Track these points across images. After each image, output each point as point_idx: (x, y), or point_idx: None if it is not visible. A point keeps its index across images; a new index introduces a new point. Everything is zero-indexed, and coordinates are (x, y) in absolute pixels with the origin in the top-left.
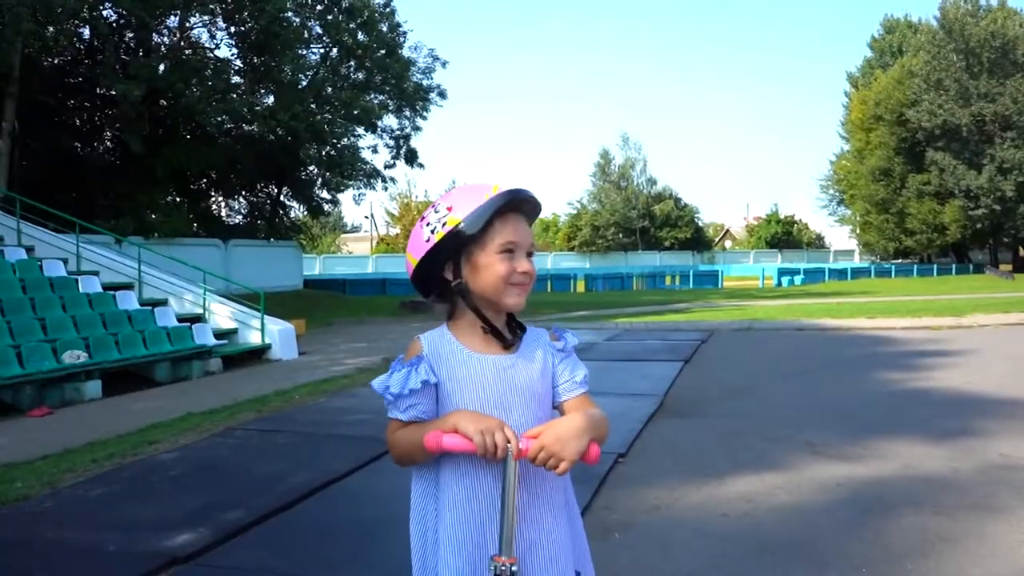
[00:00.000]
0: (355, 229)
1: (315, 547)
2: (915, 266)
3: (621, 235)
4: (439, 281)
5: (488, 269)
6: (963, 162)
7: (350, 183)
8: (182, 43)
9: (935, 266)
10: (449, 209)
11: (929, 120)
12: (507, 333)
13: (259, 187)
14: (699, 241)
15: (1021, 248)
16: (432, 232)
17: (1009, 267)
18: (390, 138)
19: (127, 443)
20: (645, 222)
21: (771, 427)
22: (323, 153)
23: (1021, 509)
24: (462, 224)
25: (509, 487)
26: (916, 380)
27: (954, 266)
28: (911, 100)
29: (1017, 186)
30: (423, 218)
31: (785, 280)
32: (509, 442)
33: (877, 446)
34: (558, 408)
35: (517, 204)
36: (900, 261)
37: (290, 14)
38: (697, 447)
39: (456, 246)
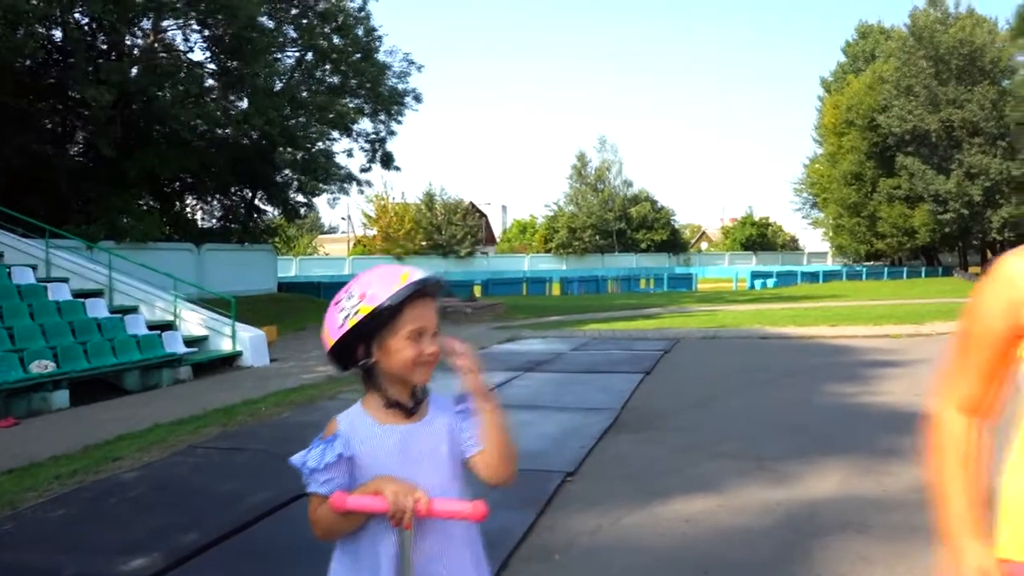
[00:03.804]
0: (332, 230)
1: (269, 569)
2: (886, 269)
3: (598, 237)
4: (354, 359)
5: (398, 353)
6: (932, 167)
7: (325, 187)
8: (156, 45)
9: (905, 269)
10: (362, 296)
11: (899, 125)
12: (409, 403)
13: (233, 191)
14: (675, 243)
15: (989, 251)
16: (345, 318)
17: (977, 269)
18: (365, 142)
19: (91, 458)
20: (621, 224)
21: (723, 442)
22: (298, 157)
23: None
24: (373, 312)
25: (406, 555)
26: (868, 394)
27: (924, 269)
28: (882, 105)
29: (984, 191)
30: (337, 301)
31: (758, 283)
32: (418, 502)
33: (822, 463)
34: (467, 464)
35: (425, 290)
36: (872, 264)
37: (264, 18)
38: (646, 464)
39: (368, 331)
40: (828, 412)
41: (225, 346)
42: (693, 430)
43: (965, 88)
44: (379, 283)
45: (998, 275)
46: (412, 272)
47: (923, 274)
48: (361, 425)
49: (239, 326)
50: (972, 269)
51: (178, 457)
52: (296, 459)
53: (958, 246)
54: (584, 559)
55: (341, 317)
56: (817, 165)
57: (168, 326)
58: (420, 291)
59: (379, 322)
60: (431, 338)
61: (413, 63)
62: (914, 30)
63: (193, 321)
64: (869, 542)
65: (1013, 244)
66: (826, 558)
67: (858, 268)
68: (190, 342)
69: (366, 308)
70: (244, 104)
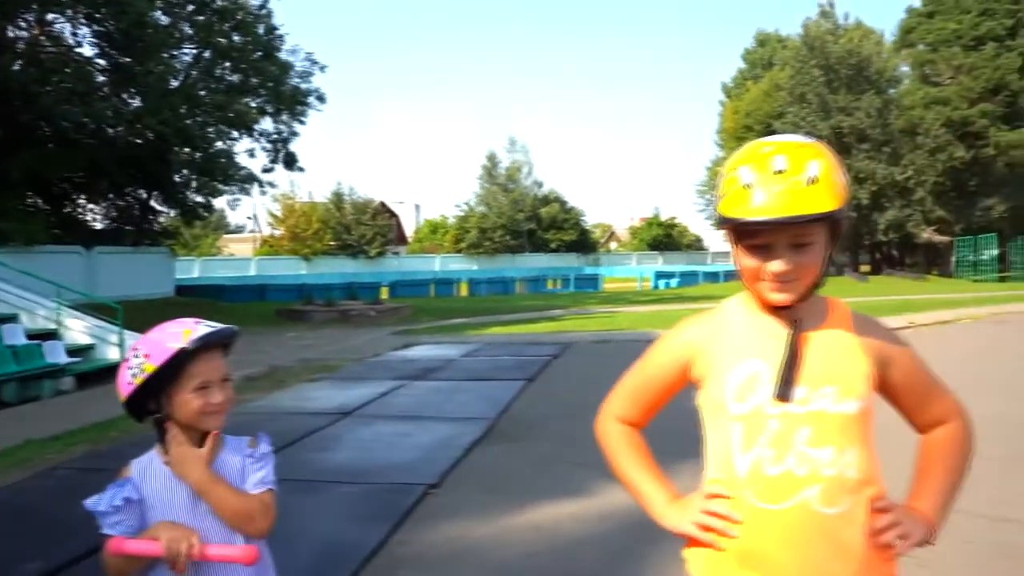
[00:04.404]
0: (238, 230)
1: None
2: None
3: (508, 237)
4: (148, 412)
5: (185, 405)
6: None
7: (225, 188)
8: (42, 38)
9: None
10: (146, 356)
11: (793, 131)
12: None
13: (127, 191)
14: (584, 243)
15: (877, 252)
16: (133, 377)
17: (868, 268)
18: (268, 142)
19: None
20: (532, 225)
21: (586, 451)
22: (196, 157)
23: None
24: (156, 371)
25: None
26: None
27: None
28: (778, 112)
29: (872, 195)
30: (127, 360)
31: (662, 283)
32: (192, 547)
33: (679, 468)
34: None
35: (212, 343)
36: None
37: (158, 13)
38: (508, 475)
39: (155, 387)
40: (695, 415)
41: (112, 355)
42: (560, 440)
43: (854, 96)
44: (161, 342)
45: (678, 335)
46: (196, 328)
47: None
48: (152, 471)
49: (128, 333)
50: (863, 268)
51: (38, 480)
52: (90, 502)
53: (849, 247)
54: (430, 572)
55: (129, 375)
56: (718, 169)
57: (51, 335)
58: (204, 345)
59: (164, 379)
60: (219, 387)
61: (316, 63)
62: (807, 40)
63: (78, 329)
64: None
65: (898, 245)
66: (661, 564)
67: None
68: (74, 351)
69: (150, 367)
70: (138, 102)
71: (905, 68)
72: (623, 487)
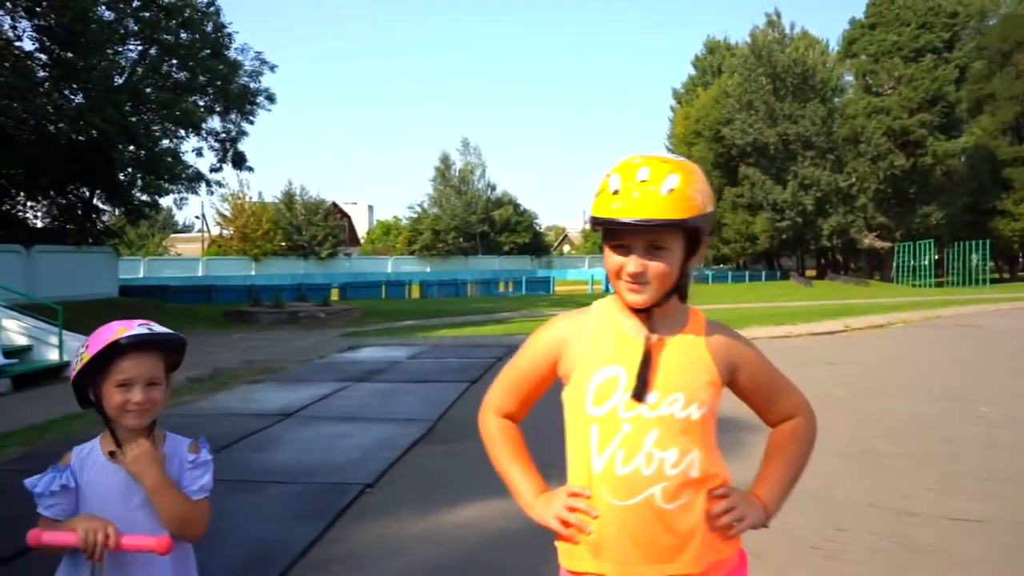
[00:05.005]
0: (187, 229)
1: None
2: (730, 272)
3: (461, 240)
4: (88, 400)
5: (109, 399)
6: (771, 177)
7: (171, 187)
8: None
9: (747, 272)
10: (86, 347)
11: (741, 138)
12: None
13: (69, 189)
14: (537, 246)
15: (822, 257)
16: (75, 365)
17: (813, 272)
18: (216, 141)
19: None
20: (485, 227)
21: None
22: (141, 155)
23: None
24: (88, 362)
25: None
26: None
27: (764, 272)
28: (726, 118)
29: (816, 200)
30: (78, 352)
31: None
32: (108, 537)
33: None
34: None
35: (143, 345)
36: (718, 268)
37: (103, 8)
38: (445, 474)
39: (90, 378)
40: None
41: (51, 356)
42: None
43: (799, 105)
44: (98, 337)
45: (547, 331)
46: (130, 328)
47: (763, 277)
48: (91, 461)
49: (67, 335)
50: (808, 272)
51: None
52: (29, 482)
53: (797, 251)
54: (359, 569)
55: (74, 363)
56: None
57: None
58: (137, 345)
59: (95, 371)
60: (143, 388)
61: (266, 62)
62: (754, 48)
63: (14, 330)
64: None
65: (842, 250)
66: None
67: (706, 271)
68: (11, 352)
69: (86, 357)
70: (80, 98)
71: (849, 78)
72: (500, 475)
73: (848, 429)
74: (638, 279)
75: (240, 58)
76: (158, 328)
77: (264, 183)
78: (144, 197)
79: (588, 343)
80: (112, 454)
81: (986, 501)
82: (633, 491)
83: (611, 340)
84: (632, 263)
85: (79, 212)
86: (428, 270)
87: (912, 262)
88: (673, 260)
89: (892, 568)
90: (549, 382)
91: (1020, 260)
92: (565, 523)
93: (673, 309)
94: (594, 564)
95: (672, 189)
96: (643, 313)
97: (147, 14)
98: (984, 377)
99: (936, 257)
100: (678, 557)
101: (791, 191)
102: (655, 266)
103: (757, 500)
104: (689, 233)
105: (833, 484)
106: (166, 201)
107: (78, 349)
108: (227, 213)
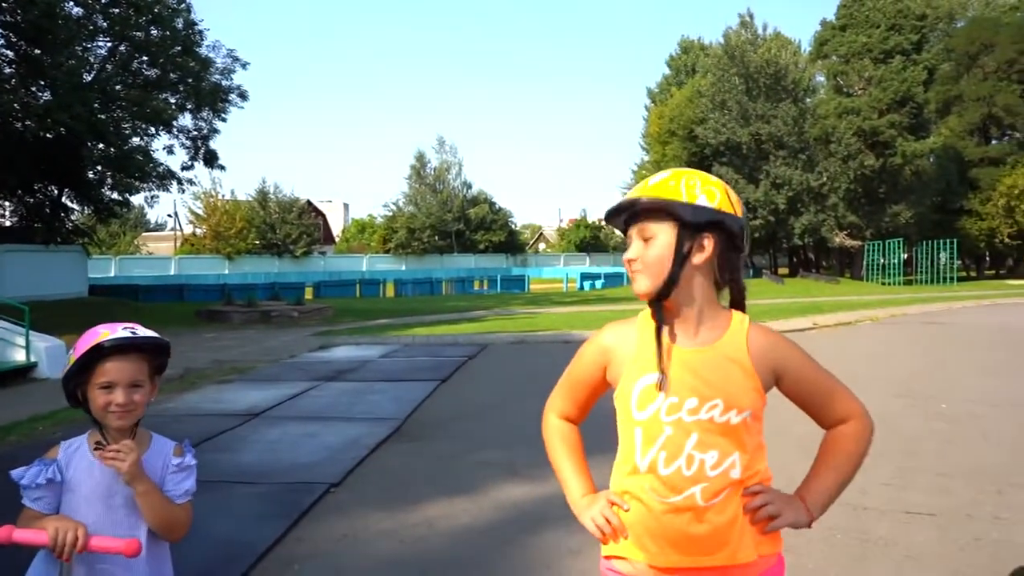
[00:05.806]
0: (159, 227)
1: None
2: None
3: (437, 238)
4: (77, 400)
5: (94, 400)
6: (744, 176)
7: (142, 185)
8: None
9: None
10: (74, 349)
11: (715, 137)
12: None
13: (37, 188)
14: (513, 244)
15: (794, 256)
16: (65, 367)
17: (785, 270)
18: (187, 139)
19: None
20: (460, 225)
21: (486, 449)
22: (110, 153)
23: None
24: (74, 364)
25: None
26: None
27: None
28: (700, 118)
29: (788, 200)
30: (68, 354)
31: (587, 284)
32: (77, 539)
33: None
34: None
35: (125, 348)
36: None
37: (71, 4)
38: (409, 473)
39: (77, 379)
40: (598, 417)
41: (18, 357)
42: (463, 439)
43: (772, 105)
44: (84, 340)
45: (597, 340)
46: (113, 332)
47: None
48: (78, 457)
49: (34, 335)
50: (780, 270)
51: None
52: (16, 473)
53: (768, 250)
54: (322, 568)
55: (65, 364)
56: (644, 172)
57: None
58: (119, 348)
59: (80, 372)
60: (125, 390)
61: (238, 60)
62: (727, 48)
63: None
64: (585, 536)
65: (813, 248)
66: (540, 551)
67: None
68: None
69: (72, 359)
70: (48, 95)
71: (820, 78)
72: (556, 473)
73: (808, 424)
74: (632, 267)
75: (212, 55)
76: (142, 331)
77: (238, 181)
78: (114, 195)
79: (632, 351)
80: (98, 444)
81: (939, 495)
82: (675, 490)
83: (652, 348)
84: (629, 252)
85: (47, 211)
86: (403, 268)
87: (882, 260)
88: (663, 248)
89: (846, 561)
90: (603, 388)
91: (987, 258)
92: (599, 527)
93: (714, 313)
94: (631, 551)
95: (661, 179)
96: (652, 307)
97: (116, 10)
98: (946, 373)
99: (905, 255)
100: (717, 551)
101: (763, 190)
102: (644, 255)
103: (799, 500)
104: (684, 225)
105: (791, 480)
106: (137, 199)
107: (70, 352)
108: (200, 211)
